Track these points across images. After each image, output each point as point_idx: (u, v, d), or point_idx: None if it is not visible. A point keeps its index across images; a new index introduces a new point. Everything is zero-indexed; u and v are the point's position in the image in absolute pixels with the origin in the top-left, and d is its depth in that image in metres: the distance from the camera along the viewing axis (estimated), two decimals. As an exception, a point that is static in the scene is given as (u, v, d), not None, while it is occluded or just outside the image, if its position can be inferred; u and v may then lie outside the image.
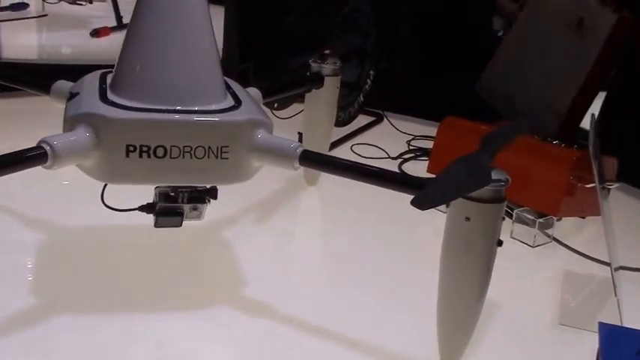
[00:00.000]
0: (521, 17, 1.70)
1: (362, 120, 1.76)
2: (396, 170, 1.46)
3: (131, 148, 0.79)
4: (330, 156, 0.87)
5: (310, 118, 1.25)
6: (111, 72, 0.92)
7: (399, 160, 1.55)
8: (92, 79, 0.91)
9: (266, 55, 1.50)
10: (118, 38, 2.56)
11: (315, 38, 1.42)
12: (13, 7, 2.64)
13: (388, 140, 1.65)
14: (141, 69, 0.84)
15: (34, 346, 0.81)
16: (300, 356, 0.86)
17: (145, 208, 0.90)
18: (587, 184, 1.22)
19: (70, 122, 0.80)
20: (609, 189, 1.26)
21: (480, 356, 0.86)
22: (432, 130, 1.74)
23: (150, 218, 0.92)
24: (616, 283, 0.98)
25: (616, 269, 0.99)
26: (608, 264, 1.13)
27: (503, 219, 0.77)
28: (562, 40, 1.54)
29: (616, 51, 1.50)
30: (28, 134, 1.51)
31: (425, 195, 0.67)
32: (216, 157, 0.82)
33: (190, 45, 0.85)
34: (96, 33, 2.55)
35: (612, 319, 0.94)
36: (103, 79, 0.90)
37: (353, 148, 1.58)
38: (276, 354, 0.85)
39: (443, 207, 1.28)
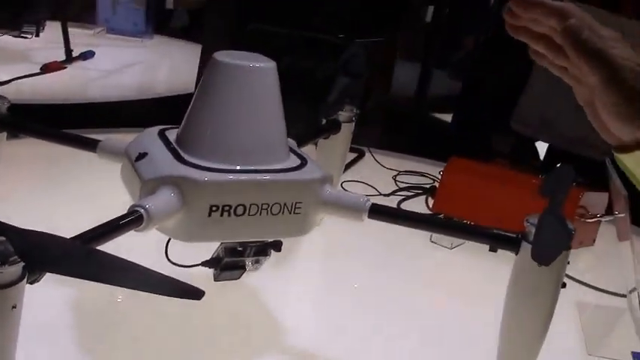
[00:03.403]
0: None
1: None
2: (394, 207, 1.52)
3: (214, 208, 0.81)
4: (400, 209, 0.91)
5: (323, 161, 1.30)
6: (169, 129, 0.94)
7: (391, 197, 1.60)
8: (151, 138, 0.92)
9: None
10: (67, 73, 2.53)
11: (312, 82, 1.47)
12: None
13: (374, 176, 1.70)
14: (215, 131, 0.87)
15: None
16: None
17: (209, 263, 0.93)
18: (587, 218, 1.32)
19: (152, 184, 0.82)
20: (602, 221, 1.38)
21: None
22: (413, 164, 1.83)
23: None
24: (635, 310, 1.07)
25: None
26: (614, 294, 1.23)
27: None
28: None
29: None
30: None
31: (541, 254, 0.74)
32: (290, 213, 0.86)
33: (261, 108, 0.88)
34: (46, 68, 2.51)
35: (636, 347, 1.02)
36: (164, 137, 0.92)
37: (343, 185, 1.62)
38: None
39: (446, 242, 1.38)
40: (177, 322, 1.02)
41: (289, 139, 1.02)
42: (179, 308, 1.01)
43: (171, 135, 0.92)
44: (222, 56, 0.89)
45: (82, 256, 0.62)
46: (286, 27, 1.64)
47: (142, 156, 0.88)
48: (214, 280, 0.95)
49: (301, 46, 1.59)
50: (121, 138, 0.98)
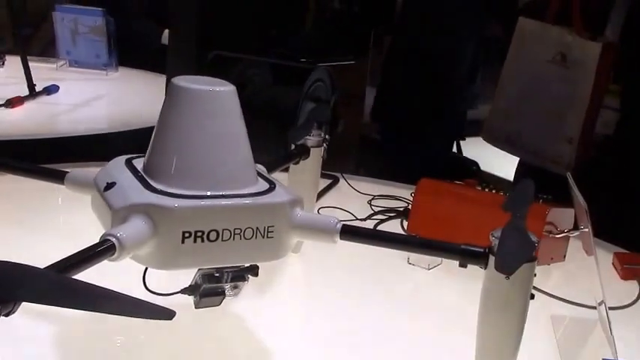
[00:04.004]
0: (509, 57, 1.92)
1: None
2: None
3: (187, 235, 0.82)
4: (371, 229, 0.92)
5: (295, 186, 1.30)
6: (136, 158, 0.94)
7: (367, 222, 1.60)
8: (119, 167, 0.93)
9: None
10: (32, 108, 2.50)
11: (279, 108, 1.48)
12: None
13: (349, 201, 1.70)
14: (180, 157, 0.88)
15: None
16: None
17: (187, 291, 0.93)
18: (556, 234, 1.34)
19: (122, 213, 0.82)
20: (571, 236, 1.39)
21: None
22: (387, 188, 1.83)
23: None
24: (604, 321, 1.08)
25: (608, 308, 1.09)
26: (587, 306, 1.24)
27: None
28: (550, 73, 1.75)
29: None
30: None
31: (504, 264, 0.75)
32: (263, 237, 0.86)
33: (224, 132, 0.90)
34: (10, 103, 2.47)
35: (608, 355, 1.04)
36: (131, 166, 0.92)
37: (319, 211, 1.62)
38: None
39: (424, 263, 1.38)
40: (163, 350, 1.02)
41: (259, 165, 1.03)
42: (163, 337, 1.02)
43: (139, 163, 0.93)
44: (180, 81, 0.89)
45: (56, 284, 0.62)
46: (249, 53, 1.65)
47: (110, 185, 0.88)
48: (195, 308, 0.96)
49: (265, 72, 1.60)
50: (90, 170, 0.98)
